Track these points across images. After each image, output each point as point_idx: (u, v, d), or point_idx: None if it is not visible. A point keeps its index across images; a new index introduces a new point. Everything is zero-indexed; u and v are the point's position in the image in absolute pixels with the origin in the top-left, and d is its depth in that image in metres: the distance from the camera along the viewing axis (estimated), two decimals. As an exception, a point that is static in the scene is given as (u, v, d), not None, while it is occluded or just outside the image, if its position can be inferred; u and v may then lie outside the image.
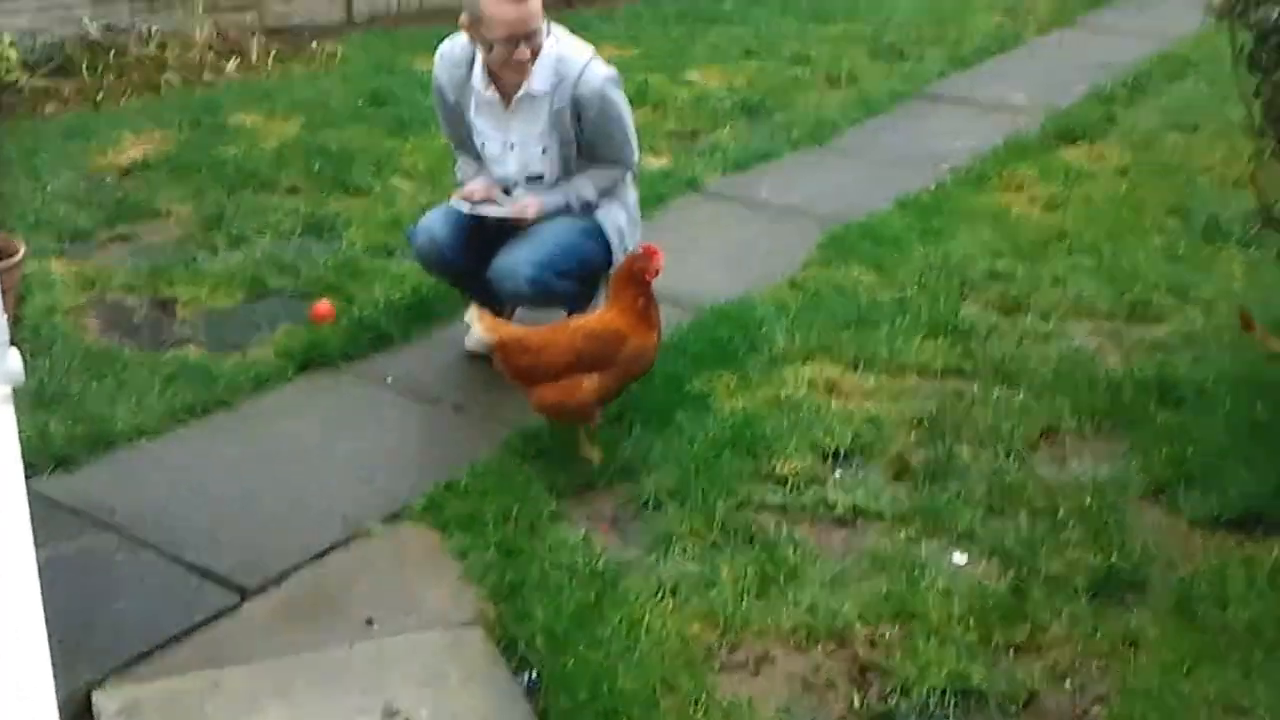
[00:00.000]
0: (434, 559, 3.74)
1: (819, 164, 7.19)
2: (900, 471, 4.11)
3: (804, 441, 4.22)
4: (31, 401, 4.36)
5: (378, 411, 4.58)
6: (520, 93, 4.51)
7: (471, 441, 4.34)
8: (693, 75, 8.71)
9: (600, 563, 3.66)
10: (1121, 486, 3.98)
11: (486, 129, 4.66)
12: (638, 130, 4.78)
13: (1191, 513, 3.85)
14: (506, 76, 4.51)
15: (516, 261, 4.47)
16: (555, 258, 4.50)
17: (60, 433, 4.25)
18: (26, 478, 2.40)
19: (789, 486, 4.01)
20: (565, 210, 4.64)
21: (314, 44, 9.24)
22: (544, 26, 4.43)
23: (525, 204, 4.58)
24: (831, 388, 4.59)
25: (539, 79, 4.48)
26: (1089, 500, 3.87)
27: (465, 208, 4.59)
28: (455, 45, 4.64)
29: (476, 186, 4.67)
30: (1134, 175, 6.73)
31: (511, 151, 4.64)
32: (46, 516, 3.64)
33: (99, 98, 7.92)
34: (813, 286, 5.35)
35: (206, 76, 8.47)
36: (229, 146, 7.05)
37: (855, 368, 4.72)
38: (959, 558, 3.69)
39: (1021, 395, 4.50)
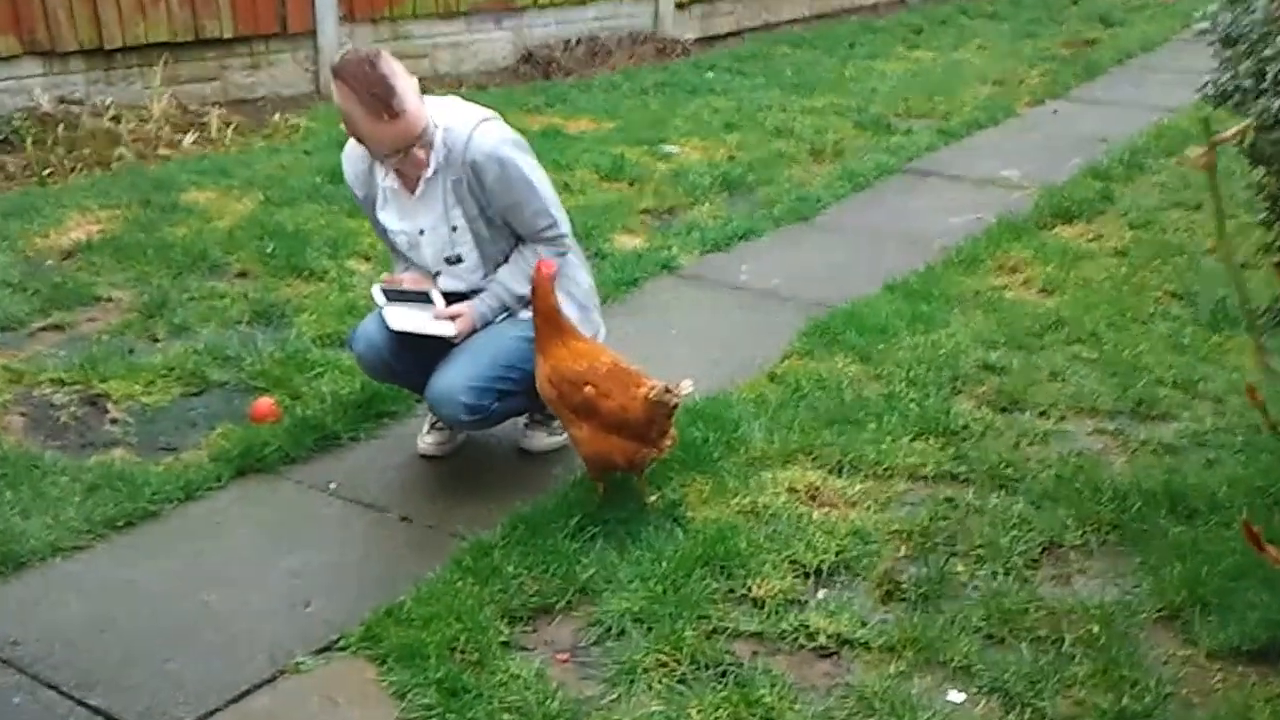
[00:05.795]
0: (370, 700, 3.34)
1: (802, 242, 6.85)
2: (889, 592, 3.72)
3: (783, 558, 3.83)
4: (-64, 513, 4.00)
5: (318, 523, 4.19)
6: (423, 177, 4.19)
7: (419, 556, 3.96)
8: (671, 149, 8.38)
9: (555, 703, 3.26)
10: (1131, 611, 3.58)
11: (394, 222, 4.32)
12: (576, 200, 4.44)
13: (1209, 642, 3.45)
14: (409, 171, 4.20)
15: (453, 386, 4.13)
16: (495, 377, 4.17)
17: (-37, 551, 3.87)
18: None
19: (766, 610, 3.62)
20: (502, 311, 4.29)
21: (276, 116, 8.92)
22: (430, 123, 4.06)
23: (455, 314, 4.23)
24: (813, 495, 4.21)
25: (430, 158, 4.14)
26: (1097, 629, 3.48)
27: (381, 300, 4.28)
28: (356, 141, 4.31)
29: (404, 276, 4.37)
30: (1134, 256, 6.38)
31: (423, 237, 4.29)
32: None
33: (46, 174, 7.58)
34: (794, 380, 4.97)
35: (162, 151, 8.15)
36: (178, 227, 6.71)
37: (839, 472, 4.34)
38: (956, 696, 3.29)
39: (1020, 504, 4.12)
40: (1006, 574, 3.77)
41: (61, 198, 7.10)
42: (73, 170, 7.68)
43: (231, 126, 8.55)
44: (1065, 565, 3.85)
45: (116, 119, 8.27)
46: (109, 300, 5.84)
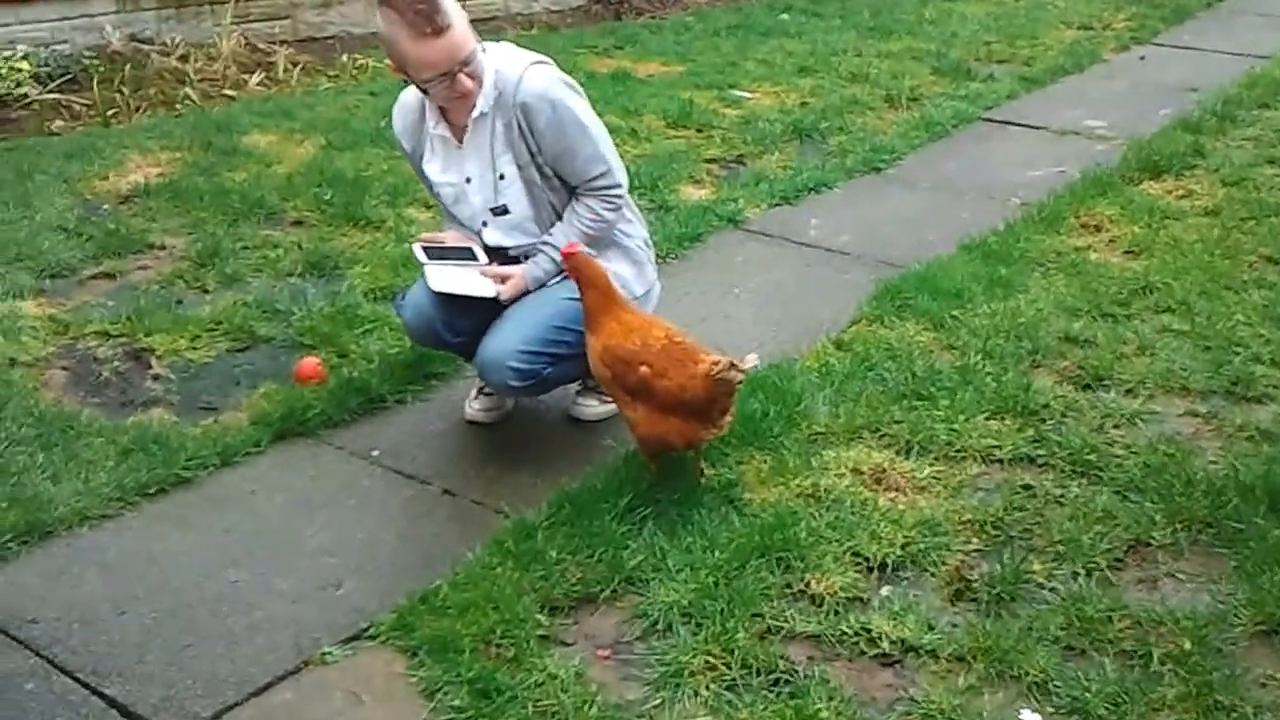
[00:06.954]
0: (396, 697, 3.14)
1: (875, 195, 6.54)
2: (959, 592, 3.44)
3: (844, 549, 3.57)
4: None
5: (358, 494, 3.99)
6: (471, 117, 3.97)
7: (459, 534, 3.75)
8: (741, 94, 8.07)
9: (594, 709, 3.04)
10: (1226, 623, 3.28)
11: (439, 173, 4.13)
12: (642, 149, 4.17)
13: (1313, 664, 3.15)
14: (456, 111, 3.98)
15: (503, 350, 3.90)
16: (548, 340, 3.93)
17: (-10, 518, 3.71)
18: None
19: (825, 609, 3.36)
20: (556, 274, 4.06)
21: (345, 56, 8.70)
22: (477, 48, 3.86)
23: (505, 275, 4.03)
24: (879, 478, 3.94)
25: (480, 99, 3.93)
26: (1188, 644, 3.17)
27: (423, 258, 4.09)
28: (409, 90, 4.10)
29: (446, 234, 4.21)
30: (1226, 216, 5.99)
31: (469, 185, 4.07)
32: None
33: (110, 114, 7.43)
34: (862, 348, 4.69)
35: (228, 91, 7.98)
36: (237, 171, 6.56)
37: (908, 453, 4.07)
38: (1031, 716, 3.02)
39: (1104, 495, 3.82)
40: (1088, 575, 3.47)
41: (124, 139, 6.99)
42: (137, 110, 7.55)
43: (299, 66, 8.37)
44: (1153, 567, 3.54)
45: (184, 58, 8.11)
46: (161, 248, 5.70)
